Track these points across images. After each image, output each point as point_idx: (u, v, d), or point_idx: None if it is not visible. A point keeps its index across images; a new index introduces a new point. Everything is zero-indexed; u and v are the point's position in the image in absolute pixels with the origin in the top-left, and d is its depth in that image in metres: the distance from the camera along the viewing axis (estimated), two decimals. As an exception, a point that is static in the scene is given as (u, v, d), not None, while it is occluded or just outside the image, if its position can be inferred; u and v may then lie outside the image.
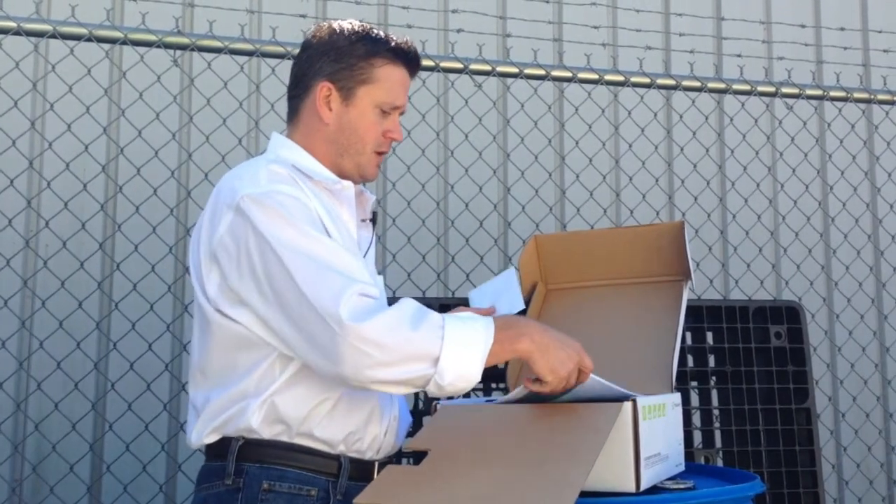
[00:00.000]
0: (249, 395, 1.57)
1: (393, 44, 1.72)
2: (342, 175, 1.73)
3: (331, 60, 1.71)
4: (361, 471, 1.64)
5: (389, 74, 1.72)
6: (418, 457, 1.57)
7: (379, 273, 1.90)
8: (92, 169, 2.87)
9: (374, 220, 1.85)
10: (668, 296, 1.91)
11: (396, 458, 2.15)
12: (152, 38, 2.64)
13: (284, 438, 1.58)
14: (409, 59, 1.75)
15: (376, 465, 1.67)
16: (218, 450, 1.61)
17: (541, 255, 2.10)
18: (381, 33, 1.74)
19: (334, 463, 1.61)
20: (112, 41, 2.64)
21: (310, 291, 1.46)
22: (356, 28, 1.73)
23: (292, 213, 1.53)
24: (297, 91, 1.75)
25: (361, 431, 1.63)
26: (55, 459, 2.73)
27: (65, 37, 2.58)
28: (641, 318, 1.90)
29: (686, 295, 1.90)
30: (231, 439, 1.59)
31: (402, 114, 1.78)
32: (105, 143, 2.96)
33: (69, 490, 2.77)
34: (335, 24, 1.75)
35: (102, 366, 2.90)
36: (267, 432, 1.58)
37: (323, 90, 1.71)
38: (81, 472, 2.77)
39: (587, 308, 1.93)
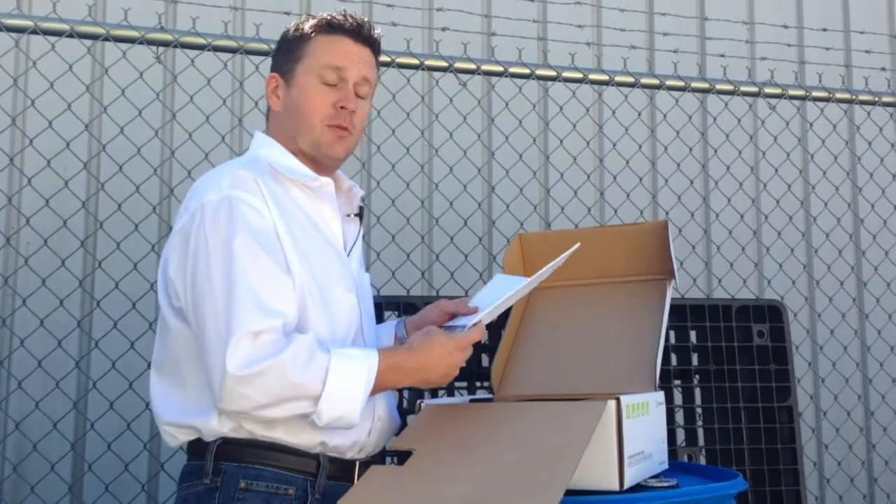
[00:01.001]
0: (211, 405, 1.55)
1: (328, 17, 1.73)
2: (307, 158, 1.72)
3: (278, 53, 1.78)
4: (342, 470, 1.63)
5: (323, 43, 1.72)
6: (402, 456, 1.57)
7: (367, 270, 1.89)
8: (73, 166, 2.85)
9: (360, 216, 1.84)
10: (652, 294, 1.91)
11: (380, 457, 2.14)
12: (135, 34, 2.61)
13: (261, 438, 1.58)
14: (346, 28, 1.73)
15: (357, 464, 1.66)
16: (196, 448, 1.61)
17: (525, 253, 2.10)
18: (325, 15, 1.74)
19: (313, 462, 1.60)
20: (94, 37, 2.62)
21: (221, 319, 1.49)
22: (302, 20, 1.76)
23: (239, 223, 1.54)
24: (266, 94, 1.80)
25: (340, 437, 1.62)
26: (36, 459, 2.71)
27: (46, 32, 2.56)
28: (625, 317, 1.91)
29: (670, 293, 1.91)
30: (208, 440, 1.59)
31: (362, 87, 1.73)
32: (87, 141, 2.94)
33: (50, 490, 2.74)
34: (289, 25, 1.80)
35: (84, 364, 2.87)
36: (241, 433, 1.58)
37: (271, 82, 1.75)
38: (63, 472, 2.75)
39: (571, 307, 1.94)
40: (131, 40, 2.63)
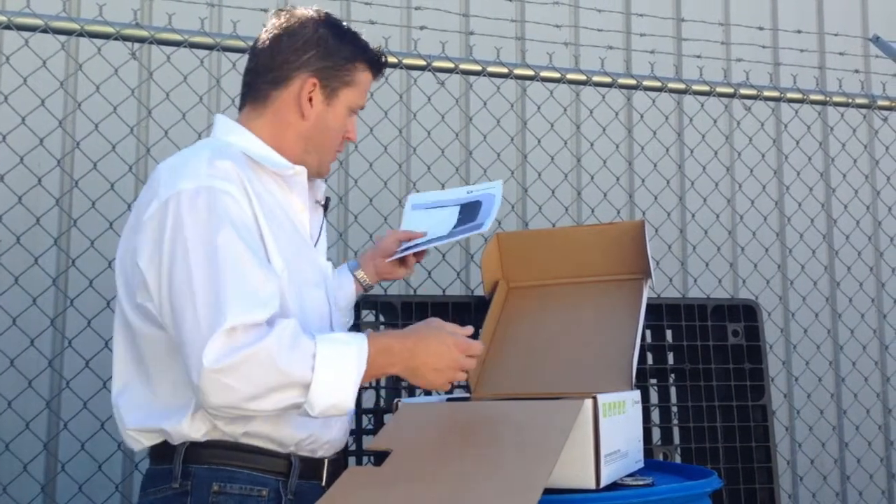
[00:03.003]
0: (179, 405, 1.51)
1: (375, 51, 1.76)
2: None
3: (319, 56, 1.68)
4: (311, 469, 1.61)
5: (366, 79, 1.75)
6: (379, 456, 1.56)
7: (330, 259, 1.86)
8: (47, 163, 2.81)
9: (325, 206, 1.80)
10: (629, 294, 1.92)
11: (357, 457, 2.14)
12: (110, 30, 2.59)
13: (230, 439, 1.54)
14: (380, 68, 1.79)
15: (326, 462, 1.65)
16: (162, 451, 1.56)
17: (503, 252, 2.11)
18: (358, 33, 1.76)
19: (284, 462, 1.58)
20: (68, 33, 2.59)
21: (202, 315, 1.42)
22: (338, 23, 1.74)
23: (221, 214, 1.48)
24: (273, 77, 1.68)
25: (316, 434, 1.60)
26: (8, 458, 2.68)
27: (20, 28, 2.52)
28: (602, 316, 1.92)
29: (646, 293, 1.92)
30: (175, 443, 1.54)
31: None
32: (61, 137, 2.91)
33: (23, 490, 2.71)
34: (315, 14, 1.72)
35: (57, 363, 2.84)
36: (211, 436, 1.53)
37: (308, 85, 1.67)
38: (35, 472, 2.72)
39: (549, 306, 1.95)
40: (106, 36, 2.60)
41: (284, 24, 1.71)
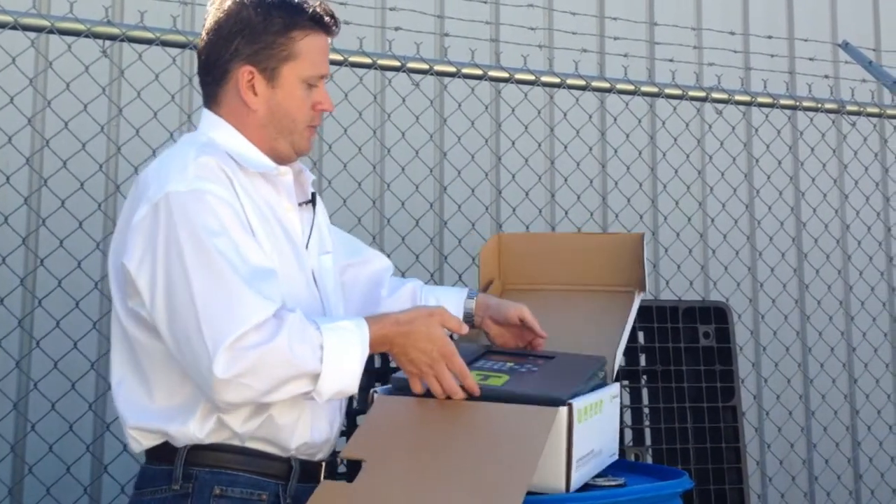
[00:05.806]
0: (185, 407, 1.50)
1: (311, 11, 1.63)
2: (277, 156, 1.65)
3: (246, 42, 1.60)
4: (310, 472, 1.61)
5: (311, 45, 1.64)
6: (352, 464, 1.55)
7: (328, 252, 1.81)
8: (15, 161, 2.78)
9: (313, 201, 1.76)
10: (619, 306, 1.93)
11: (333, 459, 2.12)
12: (81, 27, 2.56)
13: (235, 443, 1.53)
14: (328, 25, 1.66)
15: (324, 465, 1.64)
16: (161, 453, 1.54)
17: (502, 252, 2.11)
18: (307, 9, 1.64)
19: (285, 466, 1.57)
20: (38, 30, 2.55)
21: (211, 320, 1.40)
22: (261, 3, 1.61)
23: (214, 218, 1.46)
24: (214, 76, 1.64)
25: (311, 441, 1.61)
26: (-26, 461, 2.64)
27: (-12, 24, 2.49)
28: (589, 327, 1.92)
29: (636, 304, 1.92)
30: (179, 445, 1.53)
31: (326, 79, 1.71)
32: (30, 135, 2.87)
33: (-12, 493, 2.68)
34: (244, 8, 1.62)
35: (25, 364, 2.80)
36: (215, 438, 1.52)
37: (245, 75, 1.61)
38: (2, 474, 2.69)
39: (539, 311, 1.93)
40: (77, 33, 2.57)
41: (212, 19, 1.65)
